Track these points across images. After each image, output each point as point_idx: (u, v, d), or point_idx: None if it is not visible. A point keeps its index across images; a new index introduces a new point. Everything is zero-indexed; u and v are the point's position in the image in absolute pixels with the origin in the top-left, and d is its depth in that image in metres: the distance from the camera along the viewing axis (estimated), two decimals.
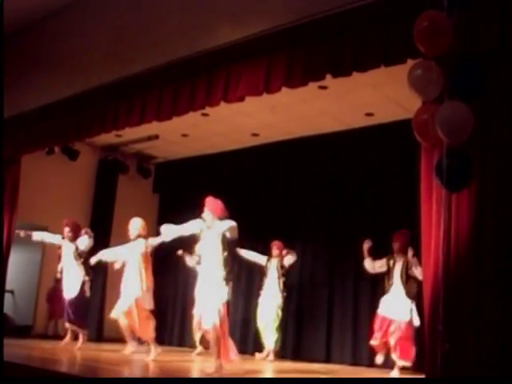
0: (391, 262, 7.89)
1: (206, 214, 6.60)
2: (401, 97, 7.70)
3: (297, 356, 9.92)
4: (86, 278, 8.94)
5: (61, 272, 9.07)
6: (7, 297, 10.39)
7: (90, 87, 8.06)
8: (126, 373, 6.72)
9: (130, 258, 8.00)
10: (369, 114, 9.16)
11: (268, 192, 11.11)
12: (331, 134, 9.90)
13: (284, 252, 9.50)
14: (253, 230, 10.56)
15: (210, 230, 6.54)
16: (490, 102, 4.53)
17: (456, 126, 4.32)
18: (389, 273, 7.88)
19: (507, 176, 4.41)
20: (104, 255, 8.50)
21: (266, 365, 8.74)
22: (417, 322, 7.57)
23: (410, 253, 7.63)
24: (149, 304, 7.91)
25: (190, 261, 9.72)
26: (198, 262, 6.93)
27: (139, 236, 8.04)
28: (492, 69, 4.54)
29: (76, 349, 8.60)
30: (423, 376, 4.70)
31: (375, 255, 8.11)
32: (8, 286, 10.07)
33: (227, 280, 6.40)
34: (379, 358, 7.95)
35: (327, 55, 5.82)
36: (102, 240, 9.03)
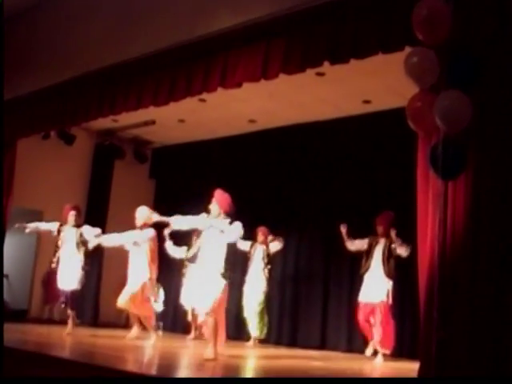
0: (373, 242, 8.06)
1: (214, 205, 6.51)
2: (399, 84, 7.58)
3: (292, 343, 9.97)
4: (86, 268, 8.74)
5: (57, 261, 8.75)
6: None
7: (87, 71, 8.03)
8: (128, 359, 6.74)
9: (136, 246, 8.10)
10: (366, 102, 9.14)
11: (265, 178, 11.10)
12: (328, 121, 9.87)
13: (270, 238, 9.43)
14: (249, 217, 10.55)
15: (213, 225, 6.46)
16: (487, 91, 4.53)
17: (455, 115, 4.32)
18: (368, 253, 8.05)
19: (503, 165, 4.42)
20: (106, 240, 8.47)
21: (260, 351, 8.78)
22: (390, 301, 7.79)
23: (393, 232, 7.83)
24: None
25: (174, 250, 9.48)
26: (192, 258, 6.80)
27: (145, 225, 8.08)
28: (489, 57, 4.53)
29: (67, 334, 8.56)
30: (417, 362, 4.72)
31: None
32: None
33: (226, 275, 6.37)
34: (369, 351, 8.06)
35: (325, 42, 5.81)
36: (98, 225, 9.00)
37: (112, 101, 7.90)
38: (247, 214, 10.62)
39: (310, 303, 10.02)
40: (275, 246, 9.42)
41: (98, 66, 7.90)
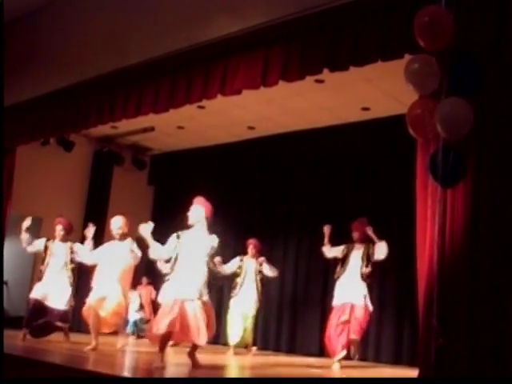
0: (348, 249, 7.93)
1: (196, 209, 6.22)
2: (397, 91, 7.69)
3: (291, 350, 9.95)
4: (74, 285, 8.37)
5: (41, 276, 8.36)
6: None
7: (86, 78, 8.04)
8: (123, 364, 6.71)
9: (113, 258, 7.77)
10: (365, 109, 9.16)
11: (263, 185, 11.11)
12: (327, 127, 9.90)
13: (261, 259, 9.16)
14: (247, 223, 10.58)
15: (193, 231, 6.18)
16: (488, 98, 4.53)
17: (456, 122, 4.32)
18: (344, 259, 7.91)
19: (502, 172, 4.42)
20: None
21: (258, 359, 8.76)
22: (370, 307, 7.66)
23: (370, 230, 7.78)
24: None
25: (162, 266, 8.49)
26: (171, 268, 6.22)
27: (124, 235, 7.79)
28: (490, 64, 4.54)
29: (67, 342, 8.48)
30: (416, 370, 4.71)
31: None
32: None
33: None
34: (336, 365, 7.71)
35: (324, 49, 5.82)
36: (96, 232, 8.93)
37: (111, 108, 7.89)
38: (245, 220, 10.69)
39: (309, 310, 10.02)
40: (270, 272, 9.16)
41: (97, 72, 7.91)
